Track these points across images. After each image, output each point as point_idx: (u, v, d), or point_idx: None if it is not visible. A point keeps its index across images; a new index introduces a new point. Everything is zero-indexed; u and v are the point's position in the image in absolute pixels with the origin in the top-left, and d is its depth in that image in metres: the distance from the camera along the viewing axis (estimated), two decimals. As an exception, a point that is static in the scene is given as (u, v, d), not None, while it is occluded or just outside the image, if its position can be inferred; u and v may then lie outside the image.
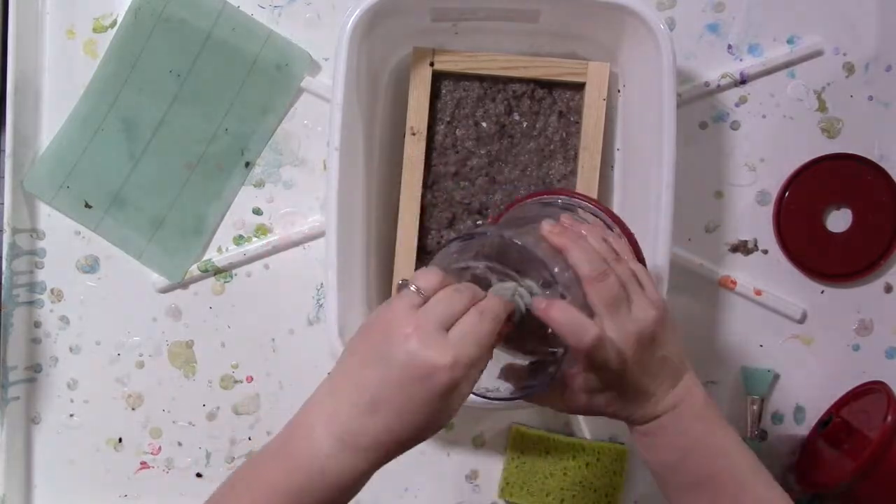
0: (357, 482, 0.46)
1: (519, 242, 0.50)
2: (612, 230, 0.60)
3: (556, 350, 0.51)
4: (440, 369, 0.43)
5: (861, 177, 0.75)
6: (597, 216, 0.61)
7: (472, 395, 0.48)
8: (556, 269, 0.50)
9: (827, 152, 0.75)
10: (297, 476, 0.45)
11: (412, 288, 0.46)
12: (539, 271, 0.51)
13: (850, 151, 0.75)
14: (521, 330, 0.51)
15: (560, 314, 0.48)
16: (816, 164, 0.75)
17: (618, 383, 0.52)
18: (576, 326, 0.48)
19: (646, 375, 0.52)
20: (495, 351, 0.51)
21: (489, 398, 0.52)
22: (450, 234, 0.73)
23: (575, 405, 0.54)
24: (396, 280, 0.72)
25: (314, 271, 0.76)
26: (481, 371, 0.47)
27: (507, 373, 0.54)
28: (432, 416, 0.44)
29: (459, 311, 0.45)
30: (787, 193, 0.75)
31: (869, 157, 0.75)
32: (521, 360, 0.54)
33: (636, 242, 0.61)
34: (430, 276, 0.47)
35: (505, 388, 0.53)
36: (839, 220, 0.76)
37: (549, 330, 0.49)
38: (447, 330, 0.44)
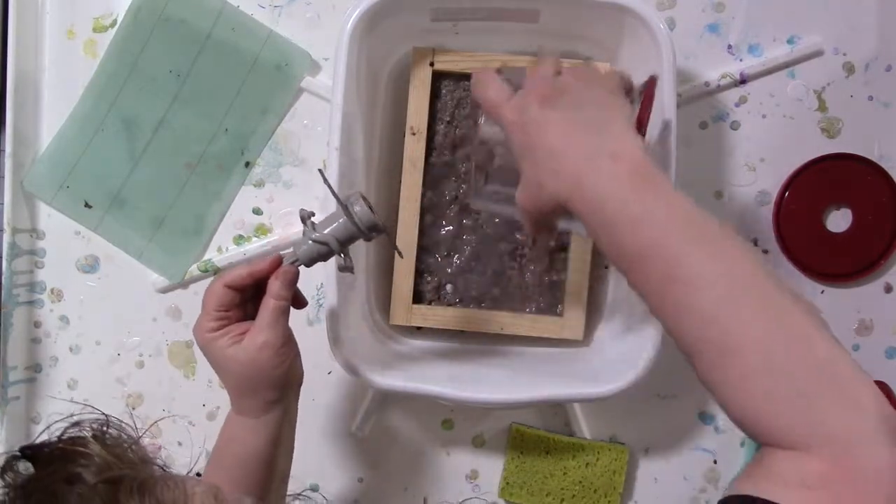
0: (253, 436, 0.57)
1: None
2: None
3: None
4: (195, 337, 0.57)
5: (861, 177, 0.75)
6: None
7: None
8: None
9: (827, 152, 0.75)
10: (226, 448, 0.58)
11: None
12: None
13: (850, 151, 0.75)
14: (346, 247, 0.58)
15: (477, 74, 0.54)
16: (816, 164, 0.75)
17: (529, 146, 0.48)
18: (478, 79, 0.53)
19: (550, 135, 0.47)
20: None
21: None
22: (449, 231, 0.73)
23: (526, 197, 0.50)
24: (397, 278, 0.72)
25: (314, 271, 0.76)
26: (275, 311, 0.55)
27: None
28: (217, 366, 0.56)
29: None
30: (787, 193, 0.75)
31: (869, 157, 0.75)
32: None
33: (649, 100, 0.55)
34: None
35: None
36: (839, 220, 0.76)
37: None
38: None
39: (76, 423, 0.46)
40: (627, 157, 0.45)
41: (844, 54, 0.75)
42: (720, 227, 0.43)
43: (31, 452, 0.42)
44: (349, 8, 0.64)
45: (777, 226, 0.76)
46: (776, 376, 0.38)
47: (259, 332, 0.55)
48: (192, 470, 0.78)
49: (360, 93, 0.68)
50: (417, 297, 0.73)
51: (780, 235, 0.76)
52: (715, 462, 0.78)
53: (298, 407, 0.62)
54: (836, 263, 0.76)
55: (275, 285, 0.56)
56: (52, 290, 0.78)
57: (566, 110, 0.47)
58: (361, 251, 0.71)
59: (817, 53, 0.75)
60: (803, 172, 0.75)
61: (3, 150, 0.75)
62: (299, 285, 0.57)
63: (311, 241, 0.56)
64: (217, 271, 0.77)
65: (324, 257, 0.57)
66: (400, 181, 0.72)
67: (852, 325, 0.77)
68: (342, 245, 0.57)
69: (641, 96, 0.53)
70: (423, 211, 0.72)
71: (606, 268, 0.75)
